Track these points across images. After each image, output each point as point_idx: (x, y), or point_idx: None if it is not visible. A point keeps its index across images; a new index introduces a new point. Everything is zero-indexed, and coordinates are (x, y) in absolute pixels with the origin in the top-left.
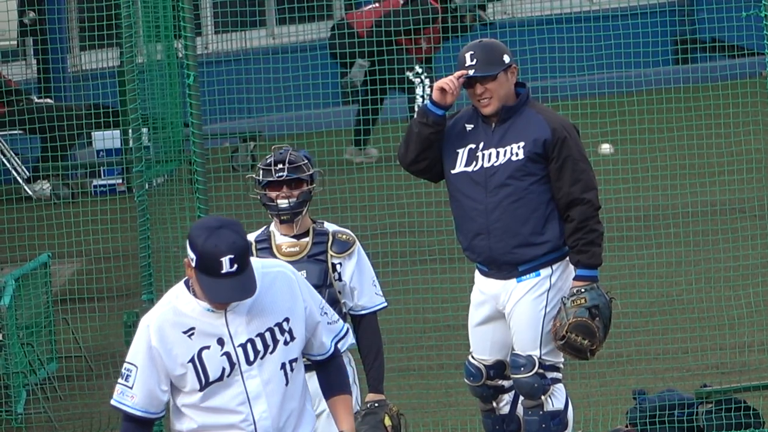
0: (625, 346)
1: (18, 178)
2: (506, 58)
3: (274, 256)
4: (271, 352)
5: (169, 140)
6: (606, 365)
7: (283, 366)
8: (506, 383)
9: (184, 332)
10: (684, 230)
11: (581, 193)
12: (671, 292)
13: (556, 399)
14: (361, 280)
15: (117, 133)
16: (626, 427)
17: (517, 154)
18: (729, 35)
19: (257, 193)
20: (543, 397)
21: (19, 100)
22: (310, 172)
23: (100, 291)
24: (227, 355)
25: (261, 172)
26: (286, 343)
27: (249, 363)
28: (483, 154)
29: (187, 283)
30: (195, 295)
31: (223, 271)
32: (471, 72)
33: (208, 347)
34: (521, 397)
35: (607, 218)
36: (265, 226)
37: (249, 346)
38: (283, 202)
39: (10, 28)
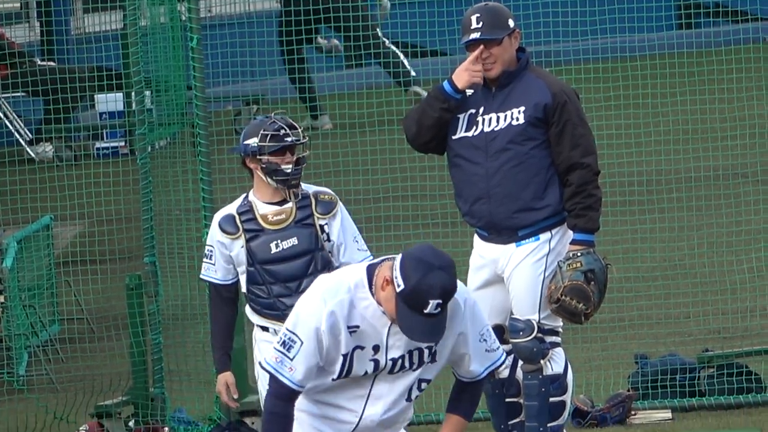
0: (627, 311)
1: (21, 140)
2: (511, 23)
3: (261, 228)
4: (414, 369)
5: (172, 103)
6: (608, 329)
7: (415, 382)
8: (505, 347)
9: (349, 327)
10: (686, 195)
11: (580, 158)
12: (673, 256)
13: (556, 363)
14: (346, 236)
15: (120, 95)
16: (628, 391)
17: (517, 119)
18: (733, 0)
19: (261, 160)
20: (542, 362)
21: (22, 62)
22: (307, 138)
23: (102, 253)
24: (376, 362)
25: (268, 137)
26: (428, 363)
27: (390, 373)
28: (483, 119)
29: (370, 278)
30: (373, 295)
31: (426, 311)
32: (477, 35)
33: (362, 348)
34: (520, 362)
35: (610, 183)
36: (243, 196)
37: (399, 360)
38: (288, 167)
39: None
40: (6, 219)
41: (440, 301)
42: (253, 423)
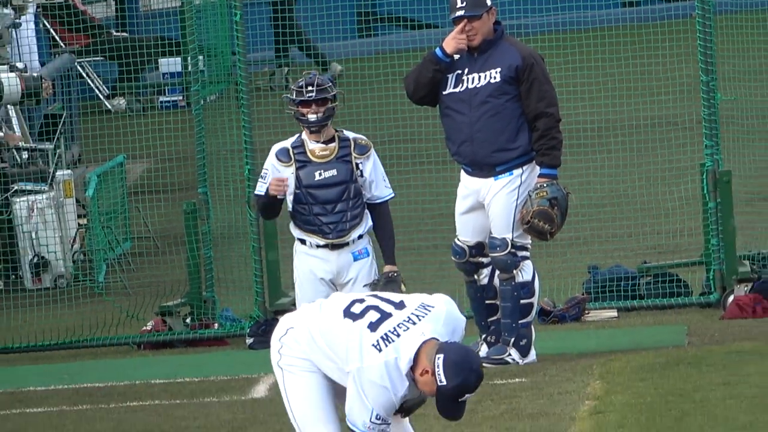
0: (582, 231)
1: (100, 95)
2: (488, 2)
3: (309, 159)
4: None
5: (220, 65)
6: (566, 246)
7: None
8: (485, 260)
9: (395, 395)
10: (629, 139)
11: (545, 108)
12: (618, 188)
13: (525, 272)
14: (376, 176)
15: (178, 59)
16: (582, 295)
17: (494, 78)
18: None
19: (291, 109)
20: (514, 272)
21: (100, 33)
22: (333, 93)
23: (164, 185)
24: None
25: (294, 92)
26: None
27: None
28: (468, 78)
29: (412, 368)
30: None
31: (460, 401)
32: (462, 12)
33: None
34: (497, 272)
35: (568, 129)
36: (297, 135)
37: None
38: (312, 116)
39: None
40: (88, 158)
41: (472, 395)
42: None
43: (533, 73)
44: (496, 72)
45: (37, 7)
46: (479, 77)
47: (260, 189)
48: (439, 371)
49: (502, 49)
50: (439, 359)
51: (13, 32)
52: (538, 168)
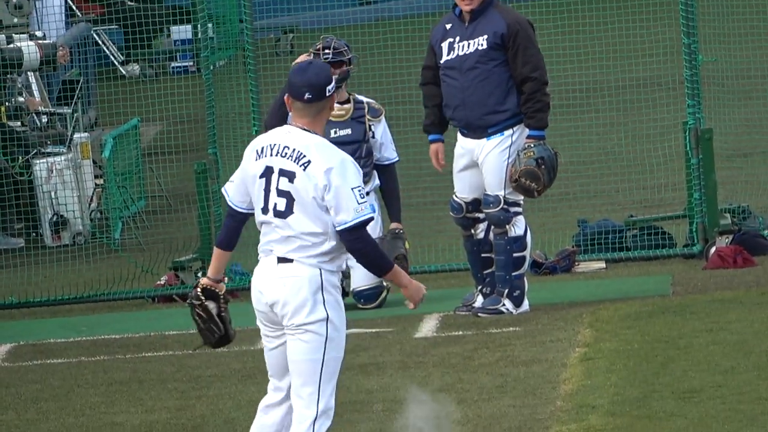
0: (571, 187)
1: (115, 62)
2: None
3: None
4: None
5: (228, 32)
6: (557, 201)
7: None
8: (481, 215)
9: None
10: (616, 99)
11: (530, 72)
12: (606, 146)
13: (518, 227)
14: (386, 139)
15: (189, 27)
16: (572, 247)
17: (482, 44)
18: None
19: None
20: (507, 226)
21: (114, 2)
22: (349, 56)
23: (176, 147)
24: None
25: (312, 55)
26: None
27: None
28: (459, 45)
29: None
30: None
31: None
32: None
33: None
34: (492, 227)
35: (558, 90)
36: None
37: None
38: None
39: None
40: (104, 121)
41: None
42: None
43: (518, 39)
44: (483, 39)
45: None
46: (468, 44)
47: None
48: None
49: (489, 16)
50: None
51: (37, 2)
52: (527, 129)
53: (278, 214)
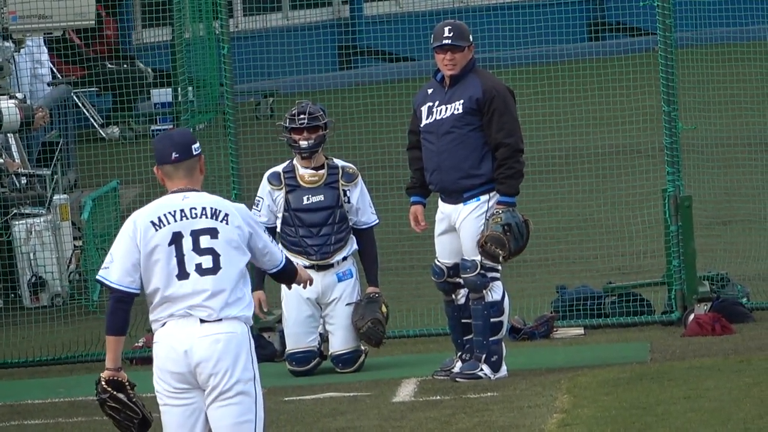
0: (550, 252)
1: (95, 124)
2: (470, 38)
3: (298, 184)
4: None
5: (209, 96)
6: (536, 266)
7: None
8: (460, 280)
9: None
10: (595, 165)
11: (503, 138)
12: (585, 212)
13: (495, 292)
14: (363, 203)
15: (169, 90)
16: (551, 313)
17: (458, 109)
18: (630, 19)
19: (284, 135)
20: (484, 291)
21: (95, 65)
22: (325, 121)
23: None
24: None
25: (287, 120)
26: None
27: None
28: (437, 110)
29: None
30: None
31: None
32: (448, 41)
33: None
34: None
35: (537, 156)
36: (288, 161)
37: None
38: (303, 143)
39: (90, 10)
40: (84, 183)
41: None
42: (269, 336)
43: (494, 105)
44: (459, 104)
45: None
46: (446, 108)
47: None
48: None
49: (468, 81)
50: None
51: (18, 60)
52: None
53: (206, 272)
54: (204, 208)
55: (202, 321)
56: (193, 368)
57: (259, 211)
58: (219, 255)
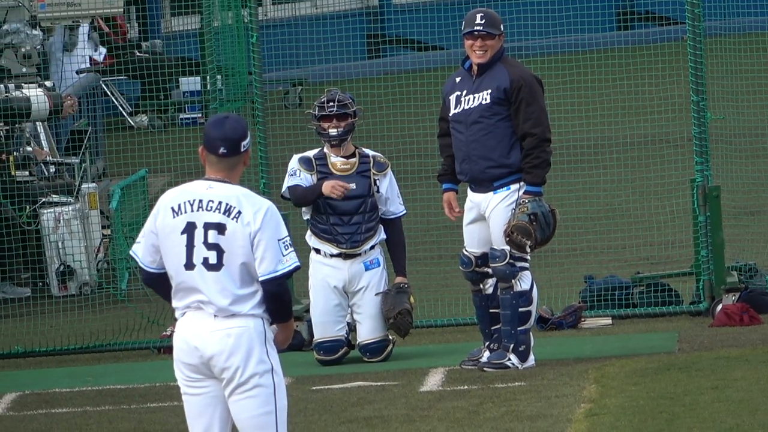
0: (579, 243)
1: (123, 112)
2: (502, 27)
3: (330, 172)
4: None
5: (237, 85)
6: (564, 257)
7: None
8: (490, 270)
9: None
10: (624, 155)
11: (530, 128)
12: (614, 202)
13: (524, 282)
14: (392, 193)
15: (198, 79)
16: (579, 303)
17: (485, 99)
18: (659, 8)
19: (313, 123)
20: (513, 281)
21: (124, 53)
22: (354, 109)
23: None
24: None
25: (316, 108)
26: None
27: None
28: (465, 99)
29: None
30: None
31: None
32: (480, 28)
33: None
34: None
35: (566, 145)
36: (319, 149)
37: None
38: (332, 131)
39: None
40: (112, 171)
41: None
42: (297, 326)
43: (521, 95)
44: (486, 93)
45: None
46: (474, 98)
47: (292, 182)
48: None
49: (496, 71)
50: None
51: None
52: None
53: (211, 267)
54: (220, 202)
55: (215, 316)
56: (207, 361)
57: (300, 177)
58: (223, 252)
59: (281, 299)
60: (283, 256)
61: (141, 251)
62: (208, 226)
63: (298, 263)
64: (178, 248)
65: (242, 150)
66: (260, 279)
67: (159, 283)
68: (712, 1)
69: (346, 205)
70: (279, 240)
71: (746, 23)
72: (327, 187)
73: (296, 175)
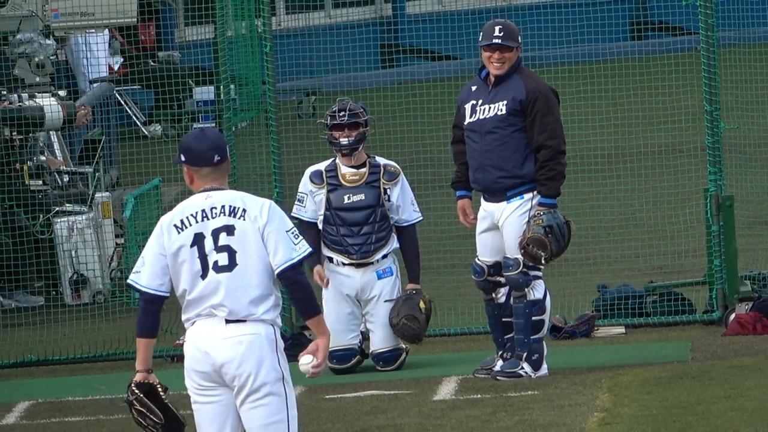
0: (592, 252)
1: (137, 122)
2: (519, 39)
3: (340, 183)
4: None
5: (251, 94)
6: (577, 266)
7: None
8: (502, 279)
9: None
10: (637, 165)
11: (545, 140)
12: (627, 211)
13: (537, 291)
14: (404, 201)
15: (212, 88)
16: (592, 312)
17: (501, 109)
18: (673, 18)
19: (325, 133)
20: (526, 290)
21: (138, 63)
22: (365, 118)
23: None
24: None
25: (328, 117)
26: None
27: None
28: (481, 109)
29: None
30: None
31: None
32: (498, 40)
33: None
34: (512, 290)
35: (580, 155)
36: (331, 159)
37: None
38: (344, 140)
39: (132, 8)
40: (126, 180)
41: None
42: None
43: (537, 106)
44: (503, 104)
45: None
46: (489, 108)
47: (299, 212)
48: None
49: (512, 82)
50: None
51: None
52: None
53: (221, 269)
54: (223, 206)
55: (227, 321)
56: (218, 368)
57: (304, 206)
58: (235, 252)
59: (304, 286)
60: (295, 244)
61: (147, 278)
62: (216, 232)
63: (310, 248)
64: (190, 262)
65: (228, 154)
66: (278, 270)
67: (158, 306)
68: (725, 11)
69: (355, 215)
70: (287, 231)
71: (760, 33)
72: (315, 273)
73: (302, 203)
